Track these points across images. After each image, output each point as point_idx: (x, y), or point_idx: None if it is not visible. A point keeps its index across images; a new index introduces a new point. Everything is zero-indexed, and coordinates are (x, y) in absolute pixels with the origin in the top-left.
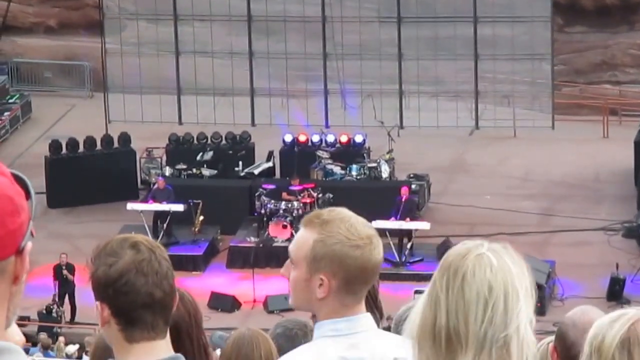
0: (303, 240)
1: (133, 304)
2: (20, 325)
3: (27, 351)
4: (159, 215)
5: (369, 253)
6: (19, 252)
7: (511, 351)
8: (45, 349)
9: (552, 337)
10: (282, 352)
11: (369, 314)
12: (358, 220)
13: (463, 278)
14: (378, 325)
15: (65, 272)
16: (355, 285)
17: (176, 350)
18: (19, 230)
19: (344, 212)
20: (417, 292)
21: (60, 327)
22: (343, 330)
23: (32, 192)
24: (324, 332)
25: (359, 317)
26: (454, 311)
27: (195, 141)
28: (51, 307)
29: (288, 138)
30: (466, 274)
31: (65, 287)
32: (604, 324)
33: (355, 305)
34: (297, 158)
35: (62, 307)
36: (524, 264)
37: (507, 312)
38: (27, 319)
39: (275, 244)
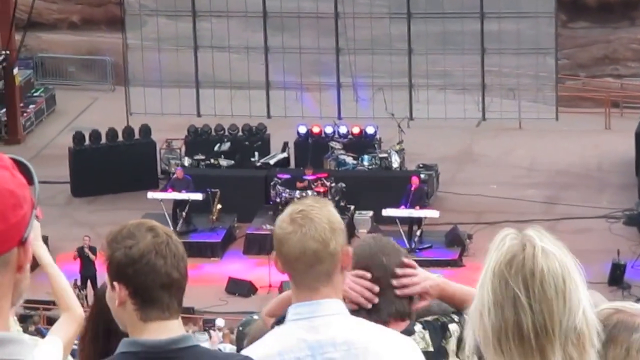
0: None
1: (152, 284)
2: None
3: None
4: (178, 204)
5: (282, 235)
6: (22, 243)
7: (584, 333)
8: None
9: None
10: None
11: (337, 300)
12: (300, 207)
13: (541, 277)
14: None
15: (87, 251)
16: (283, 265)
17: None
18: (21, 223)
19: (309, 200)
20: None
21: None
22: (304, 313)
23: (35, 177)
24: (289, 316)
25: (321, 302)
26: (539, 310)
27: (213, 133)
28: None
29: (302, 129)
30: (543, 272)
31: (88, 270)
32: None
33: (305, 288)
34: (311, 149)
35: (84, 290)
36: (561, 243)
37: (578, 298)
38: (53, 303)
39: None
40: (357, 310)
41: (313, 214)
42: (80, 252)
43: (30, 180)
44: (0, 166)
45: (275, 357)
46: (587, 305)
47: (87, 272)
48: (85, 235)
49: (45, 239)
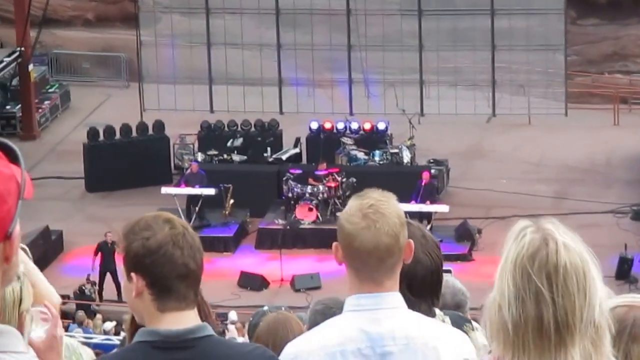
0: None
1: (170, 274)
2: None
3: (66, 328)
4: (191, 199)
5: (355, 231)
6: (8, 237)
7: (602, 325)
8: (79, 325)
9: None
10: None
11: (398, 293)
12: (370, 202)
13: (564, 272)
14: None
15: (111, 245)
16: (351, 260)
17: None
18: (6, 218)
19: (374, 192)
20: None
21: (97, 305)
22: (366, 305)
23: (22, 159)
24: (349, 307)
25: (384, 295)
26: (561, 304)
27: (226, 128)
28: (84, 287)
29: (314, 125)
30: (566, 268)
31: (109, 264)
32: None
33: (370, 280)
34: (323, 144)
35: (101, 285)
36: (573, 233)
37: (595, 290)
38: (67, 297)
39: (301, 226)
40: None
41: (384, 209)
42: (102, 247)
43: (14, 160)
44: None
45: (335, 347)
46: (604, 298)
47: (108, 267)
48: (108, 232)
49: (59, 234)
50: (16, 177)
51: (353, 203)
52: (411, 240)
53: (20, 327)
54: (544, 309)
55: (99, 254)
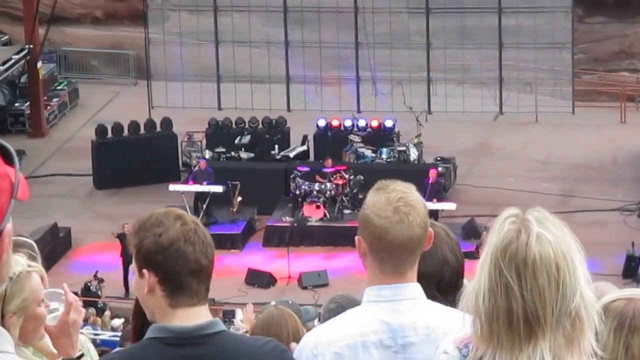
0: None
1: (182, 270)
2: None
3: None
4: (199, 196)
5: (387, 225)
6: None
7: (582, 316)
8: (85, 322)
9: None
10: None
11: (417, 285)
12: (398, 195)
13: (533, 265)
14: None
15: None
16: (379, 253)
17: None
18: None
19: (397, 185)
20: None
21: (104, 302)
22: (386, 296)
23: (16, 159)
24: (369, 297)
25: (405, 285)
26: (530, 298)
27: (233, 126)
28: (89, 284)
29: (321, 123)
30: (535, 261)
31: (129, 255)
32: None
33: (394, 273)
34: (330, 142)
35: (126, 277)
36: (561, 223)
37: (572, 283)
38: (76, 294)
39: (309, 224)
40: None
41: (411, 200)
42: (121, 238)
43: (10, 163)
44: None
45: (356, 338)
46: (585, 288)
47: (129, 258)
48: (125, 223)
49: (67, 231)
50: (10, 177)
51: (379, 197)
52: (432, 229)
53: (5, 327)
54: (513, 302)
55: (121, 246)
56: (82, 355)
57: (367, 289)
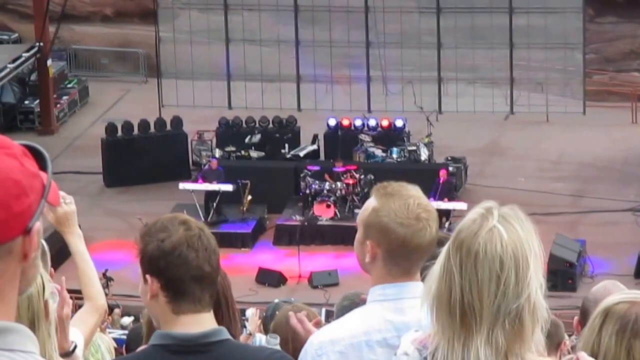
0: (366, 206)
1: (184, 276)
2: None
3: None
4: (209, 195)
5: (411, 233)
6: (27, 232)
7: (524, 319)
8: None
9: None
10: None
11: (420, 283)
12: (416, 201)
13: (475, 257)
14: None
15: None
16: (397, 258)
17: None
18: (26, 212)
19: (408, 189)
20: None
21: (115, 301)
22: (391, 295)
23: (49, 163)
24: (374, 297)
25: (408, 284)
26: (467, 288)
27: (244, 125)
28: None
29: (332, 122)
30: (478, 253)
31: None
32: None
33: (404, 274)
34: (341, 141)
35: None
36: (531, 226)
37: (518, 284)
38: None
39: (319, 223)
40: None
41: (426, 205)
42: None
43: (43, 167)
44: (8, 154)
45: (361, 337)
46: (536, 292)
47: None
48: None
49: None
50: (42, 178)
51: (396, 204)
52: None
53: (47, 315)
54: (453, 289)
55: None
56: (75, 347)
57: (372, 288)
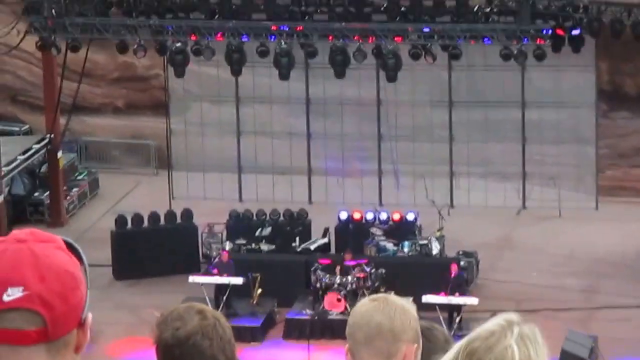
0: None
1: None
2: None
3: None
4: (219, 288)
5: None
6: (81, 324)
7: None
8: None
9: None
10: None
11: None
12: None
13: None
14: None
15: None
16: None
17: None
18: (79, 304)
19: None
20: None
21: None
22: None
23: (85, 260)
24: None
25: None
26: None
27: (254, 217)
28: None
29: (343, 215)
30: None
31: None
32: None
33: None
34: (352, 234)
35: None
36: (545, 351)
37: None
38: None
39: (330, 317)
40: None
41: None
42: None
43: (79, 261)
44: (57, 247)
45: None
46: None
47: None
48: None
49: None
50: (81, 270)
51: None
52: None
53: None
54: None
55: None
56: None
57: None
